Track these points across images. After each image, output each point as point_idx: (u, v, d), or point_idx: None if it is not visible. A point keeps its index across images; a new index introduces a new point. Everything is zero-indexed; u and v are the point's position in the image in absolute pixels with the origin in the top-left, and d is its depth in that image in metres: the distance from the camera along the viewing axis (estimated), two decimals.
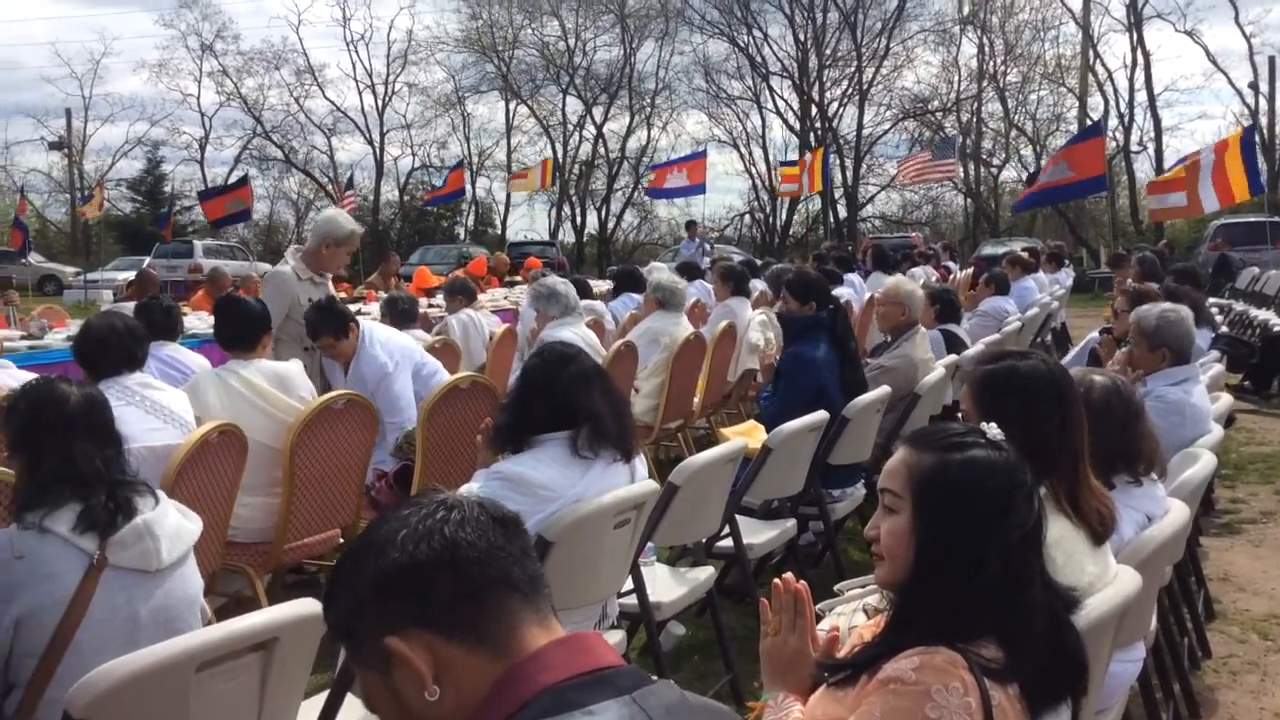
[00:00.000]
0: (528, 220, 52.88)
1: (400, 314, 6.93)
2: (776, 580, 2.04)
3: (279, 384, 4.30)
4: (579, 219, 43.95)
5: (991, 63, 39.75)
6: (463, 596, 1.20)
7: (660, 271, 9.13)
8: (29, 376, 4.41)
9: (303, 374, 4.50)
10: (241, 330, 4.44)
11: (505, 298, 12.15)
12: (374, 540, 1.24)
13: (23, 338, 7.17)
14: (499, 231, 43.05)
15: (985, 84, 39.70)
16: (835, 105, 41.72)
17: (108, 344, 3.86)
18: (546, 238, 38.99)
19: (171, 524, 2.57)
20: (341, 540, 4.46)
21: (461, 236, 40.15)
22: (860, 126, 41.13)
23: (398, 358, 5.20)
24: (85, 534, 2.42)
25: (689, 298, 8.31)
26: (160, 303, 5.43)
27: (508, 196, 43.02)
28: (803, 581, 2.03)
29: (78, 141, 42.75)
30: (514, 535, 1.27)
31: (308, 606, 2.16)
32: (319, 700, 2.52)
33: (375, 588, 1.21)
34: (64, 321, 8.88)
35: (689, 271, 10.91)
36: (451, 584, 1.20)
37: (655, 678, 1.23)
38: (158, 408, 3.81)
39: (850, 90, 41.36)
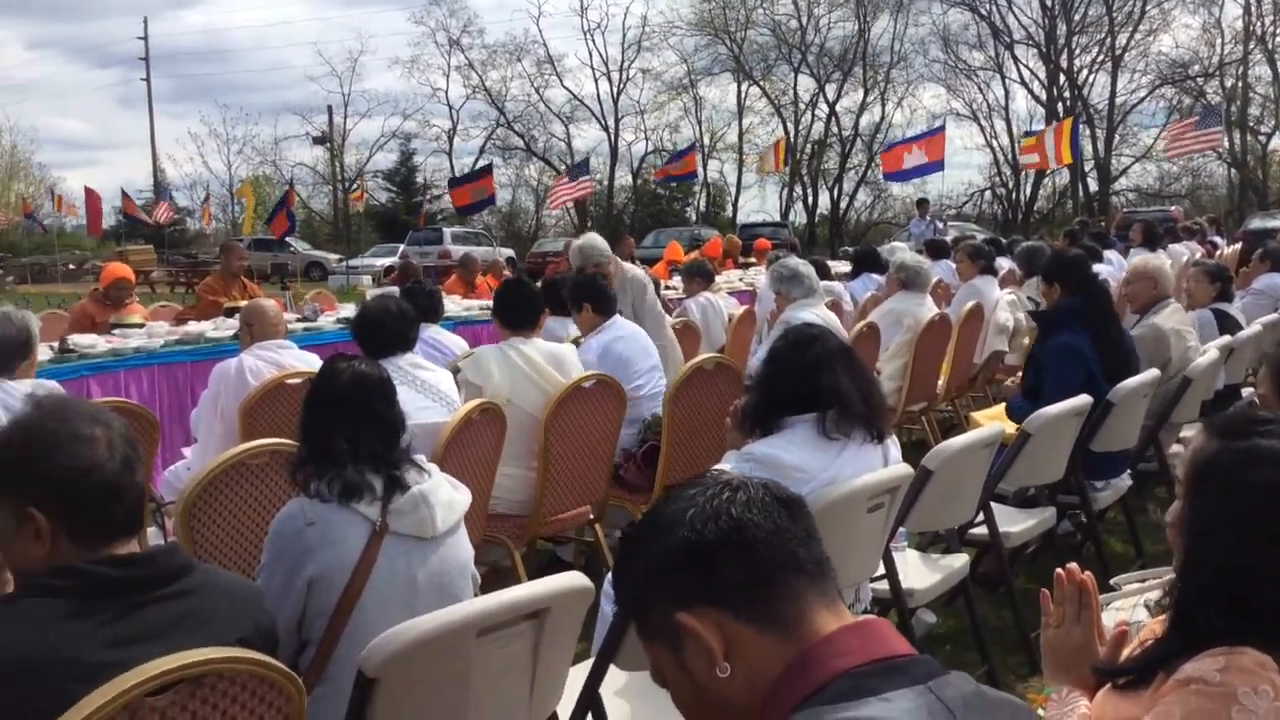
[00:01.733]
0: (759, 201, 52.93)
1: None
2: (1059, 570, 1.96)
3: (554, 362, 4.51)
4: (810, 199, 43.54)
5: (1259, 23, 36.76)
6: (751, 576, 1.20)
7: (903, 251, 8.93)
8: (309, 356, 4.77)
9: (575, 356, 4.66)
10: (523, 310, 4.68)
11: (740, 279, 12.14)
12: (662, 519, 1.25)
13: (298, 320, 7.70)
14: (730, 213, 43.17)
15: (1252, 46, 36.69)
16: (1085, 73, 39.70)
17: (383, 325, 4.11)
18: (777, 219, 38.81)
19: (444, 495, 2.71)
20: (592, 517, 4.58)
21: (693, 219, 40.49)
22: (1113, 95, 38.98)
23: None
24: (367, 502, 2.58)
25: (933, 277, 8.06)
26: (424, 287, 5.77)
27: (739, 178, 43.17)
28: (1088, 572, 1.94)
29: (338, 136, 45.59)
30: (798, 517, 1.26)
31: (577, 579, 2.24)
32: (583, 668, 2.60)
33: (664, 565, 1.22)
34: (332, 305, 9.52)
35: (936, 250, 10.57)
36: (739, 564, 1.20)
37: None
38: (426, 386, 4.03)
39: (1101, 56, 39.19)
